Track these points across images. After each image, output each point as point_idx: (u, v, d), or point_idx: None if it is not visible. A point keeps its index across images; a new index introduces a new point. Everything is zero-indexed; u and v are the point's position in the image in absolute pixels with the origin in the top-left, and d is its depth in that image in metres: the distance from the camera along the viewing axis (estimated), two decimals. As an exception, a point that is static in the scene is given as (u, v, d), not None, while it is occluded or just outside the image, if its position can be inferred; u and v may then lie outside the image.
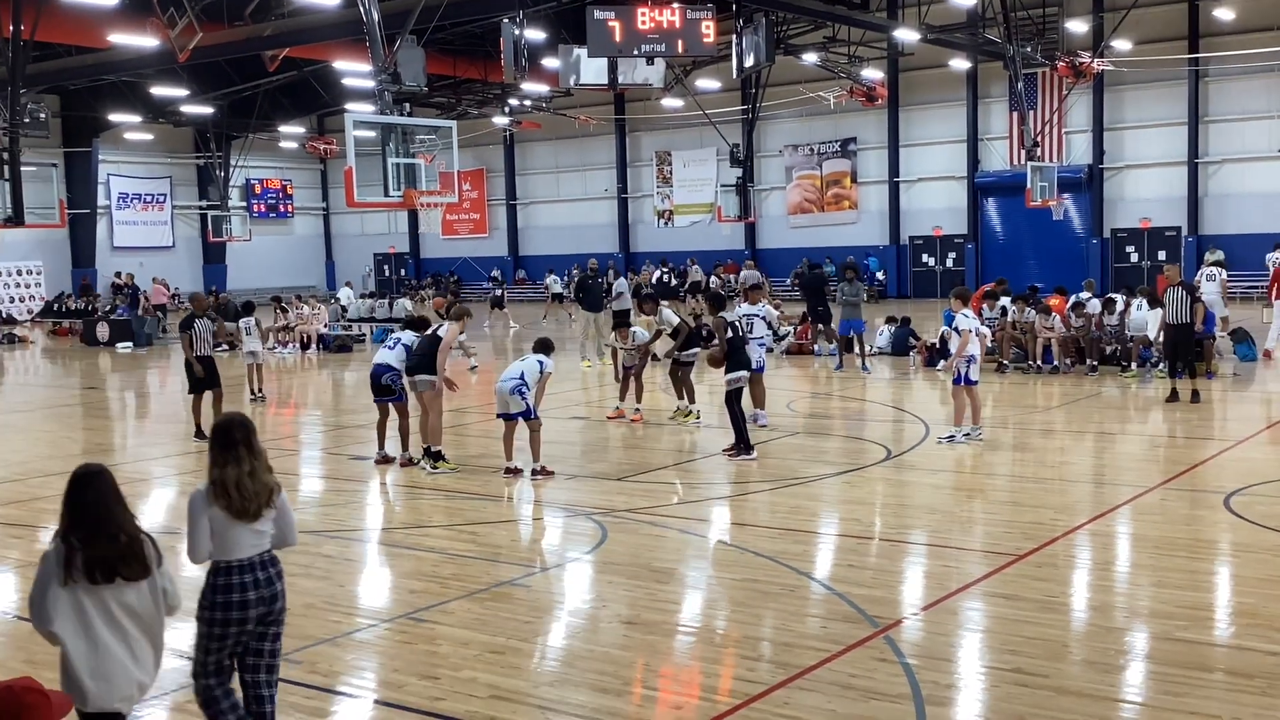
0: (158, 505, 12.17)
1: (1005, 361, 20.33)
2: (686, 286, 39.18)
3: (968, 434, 13.59)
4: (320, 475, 13.66)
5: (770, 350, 17.50)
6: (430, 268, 56.23)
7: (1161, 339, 16.94)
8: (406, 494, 12.06)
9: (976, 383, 13.73)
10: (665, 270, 41.43)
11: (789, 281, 43.54)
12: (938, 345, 21.53)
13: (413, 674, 6.69)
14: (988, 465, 12.67)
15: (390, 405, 13.23)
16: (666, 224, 49.86)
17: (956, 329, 13.62)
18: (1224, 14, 36.10)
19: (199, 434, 15.18)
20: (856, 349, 21.30)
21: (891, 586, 8.29)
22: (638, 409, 16.06)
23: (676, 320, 16.23)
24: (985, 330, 15.06)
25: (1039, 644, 6.84)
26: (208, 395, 15.55)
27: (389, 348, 13.21)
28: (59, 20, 28.44)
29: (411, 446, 13.09)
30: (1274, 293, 21.31)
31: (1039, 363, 20.00)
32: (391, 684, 6.62)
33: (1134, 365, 19.22)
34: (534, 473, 12.22)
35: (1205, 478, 11.54)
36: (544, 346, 12.68)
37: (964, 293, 14.34)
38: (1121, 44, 36.16)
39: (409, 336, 13.22)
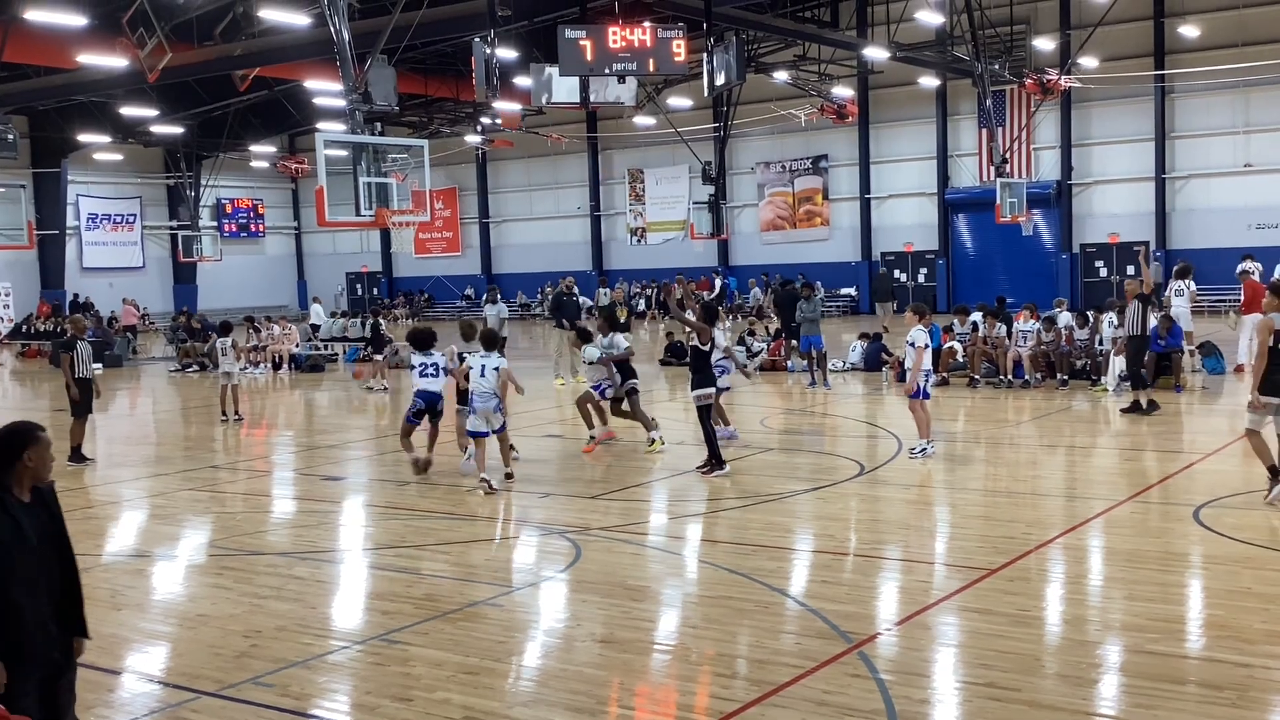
0: (128, 528, 12.06)
1: (976, 376, 20.45)
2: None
3: (923, 449, 13.66)
4: (293, 496, 13.58)
5: (744, 369, 17.42)
6: (403, 286, 56.12)
7: (1120, 350, 17.39)
8: (379, 514, 12.00)
9: (929, 396, 13.94)
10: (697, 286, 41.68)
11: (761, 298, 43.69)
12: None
13: (386, 696, 6.65)
14: (960, 480, 12.72)
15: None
16: (639, 241, 49.97)
17: (911, 343, 13.76)
18: (1189, 31, 36.60)
19: (75, 456, 15.14)
20: (816, 365, 21.37)
21: (865, 602, 8.30)
22: (603, 429, 15.84)
23: (626, 345, 15.73)
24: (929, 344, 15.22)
25: (1012, 658, 6.87)
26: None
27: (434, 375, 13.57)
28: (27, 41, 28.31)
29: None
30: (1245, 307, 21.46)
31: (1010, 377, 20.12)
32: (365, 706, 6.57)
33: (1104, 379, 19.35)
34: (507, 476, 12.78)
35: (1175, 491, 11.63)
36: (490, 342, 13.17)
37: (920, 308, 14.38)
38: (1088, 61, 36.58)
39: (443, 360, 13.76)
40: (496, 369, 12.67)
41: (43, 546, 4.74)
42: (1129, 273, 36.84)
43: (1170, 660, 6.84)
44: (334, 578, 9.69)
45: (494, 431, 12.68)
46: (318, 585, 9.30)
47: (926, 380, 13.79)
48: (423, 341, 13.80)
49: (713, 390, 13.37)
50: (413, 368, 13.87)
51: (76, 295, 46.47)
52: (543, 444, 15.78)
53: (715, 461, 12.92)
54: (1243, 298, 21.47)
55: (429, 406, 13.57)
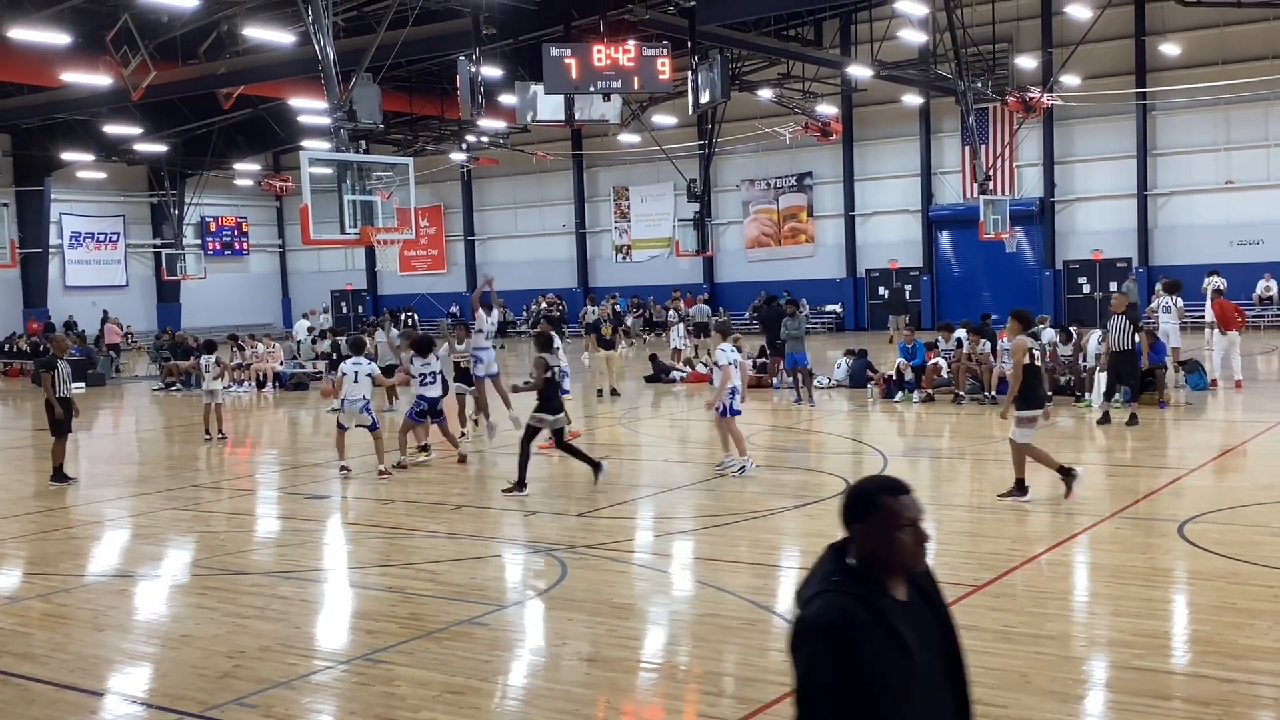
0: (110, 548, 11.98)
1: (961, 392, 20.49)
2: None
3: (742, 467, 13.76)
4: (277, 515, 13.52)
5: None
6: (388, 304, 55.98)
7: (1103, 364, 17.91)
8: (364, 533, 11.95)
9: (739, 413, 13.99)
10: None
11: (747, 315, 43.78)
12: (894, 376, 21.70)
13: (371, 716, 6.60)
14: (945, 495, 12.74)
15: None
16: (625, 259, 50.00)
17: (717, 363, 13.87)
18: (1170, 49, 36.89)
19: (57, 476, 15.08)
20: (801, 381, 21.36)
21: (852, 619, 8.27)
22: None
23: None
24: (746, 362, 15.50)
25: (998, 674, 6.86)
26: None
27: (431, 382, 15.37)
28: (11, 59, 28.25)
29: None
30: (1220, 323, 21.56)
31: (994, 393, 20.15)
32: (349, 726, 6.53)
33: (1088, 395, 19.41)
34: (380, 473, 14.38)
35: (1159, 506, 11.66)
36: (357, 347, 15.54)
37: (725, 326, 14.82)
38: (1070, 79, 36.80)
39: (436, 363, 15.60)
40: (370, 375, 14.67)
41: (929, 668, 3.20)
42: (1112, 289, 37.05)
43: (1156, 676, 6.84)
44: (318, 597, 9.64)
45: (368, 428, 14.61)
46: (302, 605, 9.25)
47: (733, 398, 13.79)
48: (423, 349, 15.44)
49: (556, 417, 13.47)
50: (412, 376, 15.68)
51: (106, 315, 46.53)
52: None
53: (519, 483, 13.11)
54: (1212, 317, 21.63)
55: (431, 408, 15.40)
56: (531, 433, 13.25)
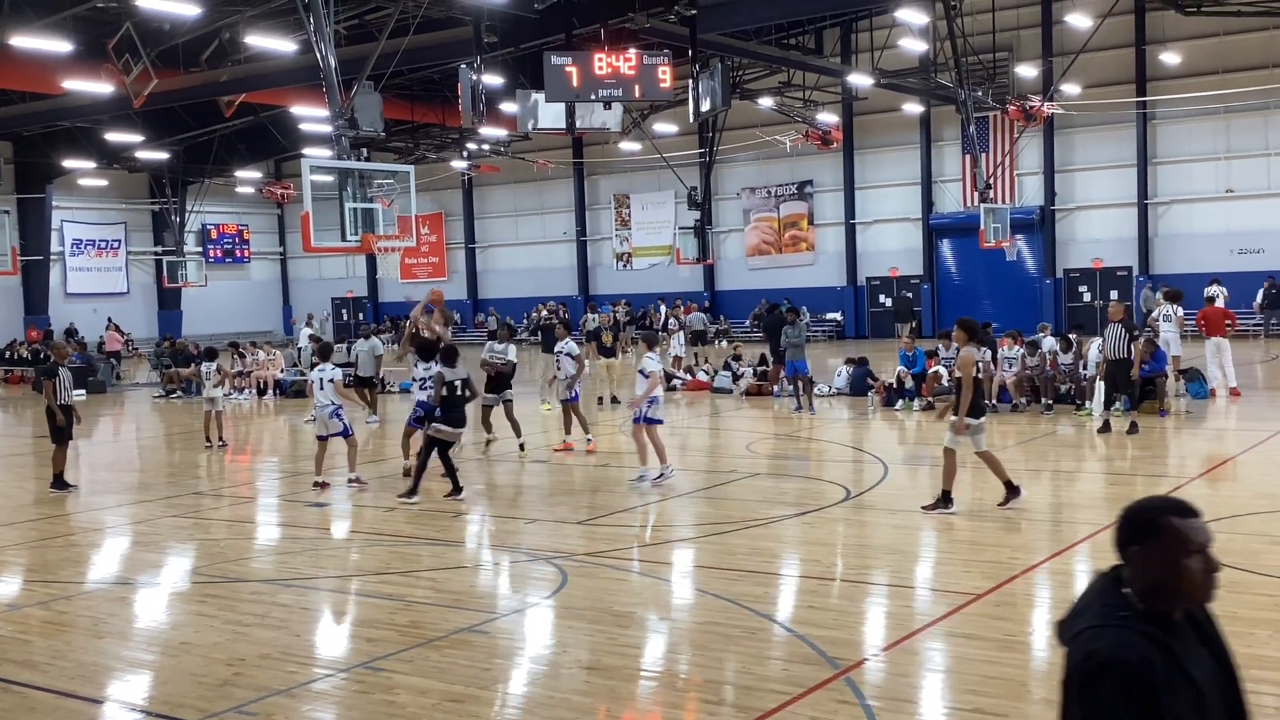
0: (110, 555, 11.98)
1: (961, 401, 20.46)
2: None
3: (660, 475, 13.89)
4: (277, 523, 13.51)
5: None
6: (388, 312, 56.05)
7: (1101, 372, 17.98)
8: (364, 541, 11.95)
9: (661, 422, 14.20)
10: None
11: (748, 323, 43.84)
12: (894, 384, 21.71)
13: (370, 724, 6.59)
14: (946, 505, 12.71)
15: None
16: (625, 266, 50.05)
17: (642, 371, 14.12)
18: (1170, 58, 36.97)
19: (57, 483, 15.09)
20: (801, 389, 21.36)
21: (852, 627, 8.29)
22: (589, 439, 16.99)
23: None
24: (663, 371, 15.84)
25: (999, 683, 6.86)
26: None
27: (430, 386, 15.09)
28: (13, 66, 28.31)
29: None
30: (1206, 331, 21.57)
31: (995, 402, 20.14)
32: (349, 735, 6.52)
33: (1088, 403, 19.41)
34: (352, 480, 14.45)
35: (1160, 514, 11.62)
36: (324, 353, 15.34)
37: (651, 338, 15.23)
38: (1071, 88, 36.86)
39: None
40: (332, 380, 14.53)
41: (1214, 709, 2.97)
42: (1112, 296, 37.05)
43: (1157, 685, 6.82)
44: (318, 605, 9.62)
45: (337, 435, 14.52)
46: (302, 612, 9.24)
47: (651, 407, 13.94)
48: (426, 353, 15.11)
49: (452, 431, 13.61)
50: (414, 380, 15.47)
51: (110, 321, 46.42)
52: (529, 469, 15.73)
53: (413, 489, 13.40)
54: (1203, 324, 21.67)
55: (428, 413, 15.02)
56: (430, 443, 13.48)
